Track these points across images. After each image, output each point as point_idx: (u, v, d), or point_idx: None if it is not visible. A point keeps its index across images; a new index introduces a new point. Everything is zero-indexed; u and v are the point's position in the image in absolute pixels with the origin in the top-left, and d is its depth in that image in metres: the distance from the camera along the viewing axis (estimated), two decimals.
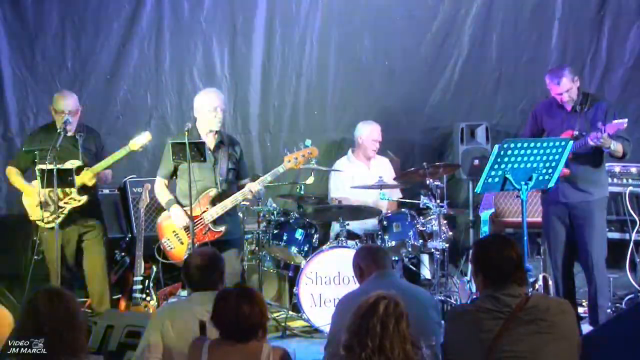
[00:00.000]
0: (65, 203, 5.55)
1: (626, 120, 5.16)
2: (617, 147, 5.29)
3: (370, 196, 6.59)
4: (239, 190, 5.42)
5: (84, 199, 5.61)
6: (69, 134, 5.58)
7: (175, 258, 5.47)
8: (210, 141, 5.43)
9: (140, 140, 5.59)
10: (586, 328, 5.33)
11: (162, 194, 5.53)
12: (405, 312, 2.89)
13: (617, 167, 6.64)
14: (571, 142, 5.03)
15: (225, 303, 3.20)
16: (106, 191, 6.61)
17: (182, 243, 5.40)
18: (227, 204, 5.35)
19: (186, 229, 5.34)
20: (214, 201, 5.38)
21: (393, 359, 2.82)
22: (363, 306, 2.91)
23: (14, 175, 5.76)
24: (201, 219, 5.33)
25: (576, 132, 5.39)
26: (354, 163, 6.83)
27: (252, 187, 5.35)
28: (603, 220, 5.63)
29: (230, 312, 3.17)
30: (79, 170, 5.52)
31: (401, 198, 6.72)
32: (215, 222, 5.37)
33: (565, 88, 5.49)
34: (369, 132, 6.74)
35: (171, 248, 5.49)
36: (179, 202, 5.43)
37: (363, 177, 6.60)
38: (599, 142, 5.20)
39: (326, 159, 7.02)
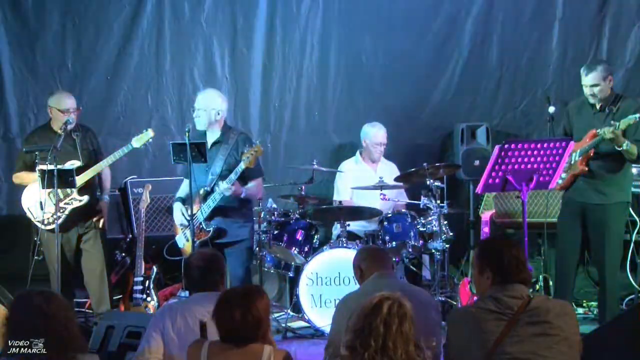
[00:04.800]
0: (66, 204, 5.55)
1: (637, 116, 5.09)
2: (630, 147, 5.19)
3: (375, 199, 6.57)
4: None
5: (85, 199, 5.62)
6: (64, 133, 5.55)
7: (186, 254, 5.53)
8: (208, 139, 5.47)
9: (143, 137, 5.63)
10: (590, 328, 5.33)
11: (178, 192, 5.68)
12: (409, 313, 2.89)
13: None
14: (572, 142, 5.02)
15: (224, 307, 3.17)
16: None
17: (188, 240, 5.45)
18: (209, 203, 5.36)
19: (184, 226, 5.48)
20: (204, 200, 5.41)
21: (396, 359, 2.82)
22: (367, 306, 2.91)
23: (27, 176, 5.72)
24: (195, 217, 5.36)
25: (599, 131, 5.27)
26: (361, 166, 6.81)
27: (220, 185, 5.29)
28: (620, 225, 5.54)
29: (228, 316, 3.14)
30: (79, 170, 5.53)
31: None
32: (209, 222, 5.40)
33: (592, 82, 5.35)
34: (372, 136, 6.72)
35: (182, 245, 5.59)
36: (184, 201, 5.54)
37: (369, 180, 6.59)
38: (611, 136, 5.12)
39: (326, 160, 7.02)
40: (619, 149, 5.21)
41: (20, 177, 5.77)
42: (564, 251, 5.66)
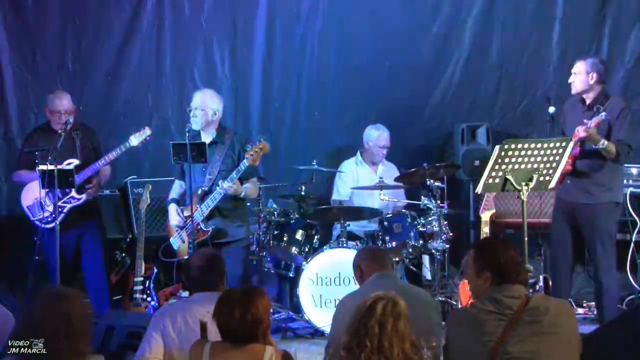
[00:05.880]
0: (64, 202, 5.56)
1: (604, 113, 5.16)
2: (607, 146, 5.23)
3: (374, 200, 6.57)
4: None
5: (84, 197, 5.63)
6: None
7: (182, 256, 5.55)
8: (204, 140, 5.47)
9: (140, 135, 5.64)
10: (590, 328, 5.34)
11: (170, 194, 5.68)
12: (404, 311, 2.90)
13: None
14: (572, 142, 5.02)
15: (224, 306, 3.18)
16: (107, 192, 6.61)
17: (183, 242, 5.48)
18: (208, 203, 5.37)
19: (179, 227, 5.50)
20: (203, 200, 5.41)
21: (392, 359, 2.83)
22: (361, 307, 2.92)
23: (27, 175, 5.74)
24: (193, 218, 5.36)
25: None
26: (361, 166, 6.81)
27: (222, 184, 5.32)
28: (609, 224, 5.52)
29: (228, 315, 3.14)
30: (78, 169, 5.54)
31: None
32: (207, 222, 5.40)
33: (574, 70, 5.47)
34: (375, 139, 6.72)
35: (178, 247, 5.59)
36: (178, 202, 5.55)
37: (370, 181, 6.58)
38: (584, 134, 5.17)
39: (327, 160, 7.02)
40: (595, 147, 5.24)
41: (20, 175, 5.80)
42: (556, 251, 5.67)
